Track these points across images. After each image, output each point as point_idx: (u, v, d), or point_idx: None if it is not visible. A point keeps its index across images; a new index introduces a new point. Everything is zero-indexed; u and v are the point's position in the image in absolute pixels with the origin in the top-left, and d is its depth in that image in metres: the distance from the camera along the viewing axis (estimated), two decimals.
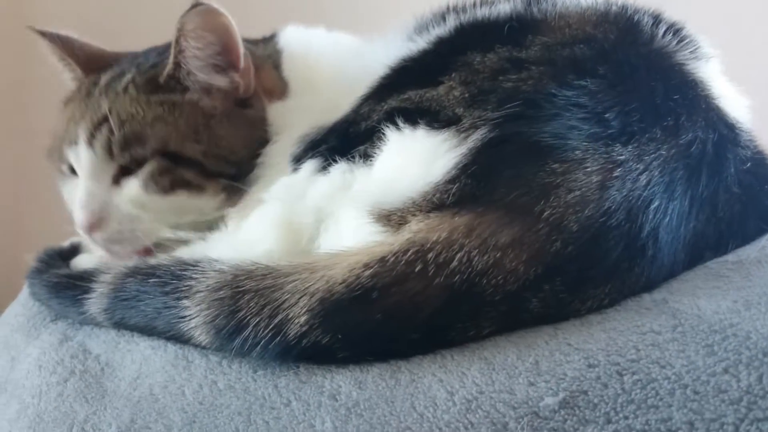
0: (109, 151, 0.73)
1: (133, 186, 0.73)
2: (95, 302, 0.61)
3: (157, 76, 0.75)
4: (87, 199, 0.73)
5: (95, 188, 0.73)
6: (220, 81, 0.75)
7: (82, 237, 0.78)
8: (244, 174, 0.74)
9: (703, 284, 0.51)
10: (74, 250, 0.81)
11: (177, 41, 0.72)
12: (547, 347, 0.46)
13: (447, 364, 0.47)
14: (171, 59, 0.73)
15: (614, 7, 0.64)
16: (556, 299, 0.51)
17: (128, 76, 0.77)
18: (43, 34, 0.82)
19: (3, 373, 0.62)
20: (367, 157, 0.59)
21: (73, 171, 0.78)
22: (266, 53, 0.85)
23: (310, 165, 0.64)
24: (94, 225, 0.72)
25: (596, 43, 0.58)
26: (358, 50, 0.82)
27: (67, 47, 0.82)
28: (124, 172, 0.73)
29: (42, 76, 1.71)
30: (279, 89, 0.81)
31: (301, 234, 0.60)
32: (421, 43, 0.67)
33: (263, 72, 0.81)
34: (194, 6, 0.69)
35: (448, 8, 0.70)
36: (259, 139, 0.76)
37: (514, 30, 0.62)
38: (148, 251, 0.74)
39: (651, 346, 0.44)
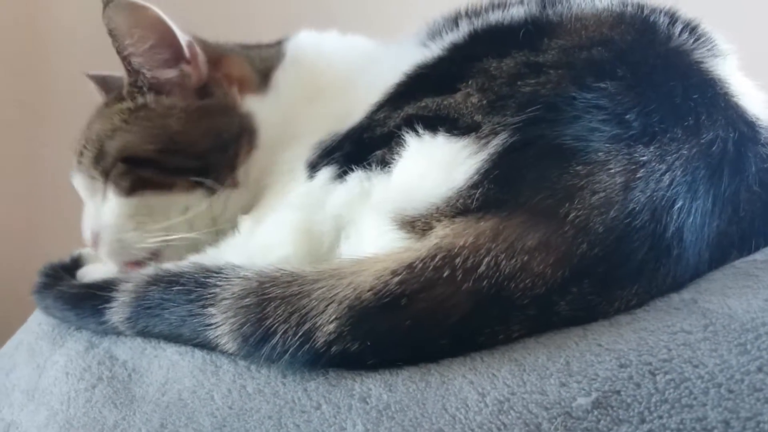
0: (91, 170, 0.76)
1: (110, 196, 0.76)
2: (117, 311, 0.62)
3: (122, 89, 0.78)
4: (86, 218, 0.78)
5: (91, 207, 0.78)
6: (169, 74, 0.76)
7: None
8: (215, 167, 0.75)
9: (733, 283, 0.51)
10: (77, 263, 0.81)
11: (113, 44, 0.73)
12: (578, 348, 0.46)
13: (477, 366, 0.48)
14: (122, 64, 0.75)
15: (630, 8, 0.64)
16: (584, 301, 0.51)
17: (109, 97, 0.81)
18: (90, 76, 0.91)
19: (30, 381, 0.63)
20: (384, 163, 0.59)
21: None
22: (262, 55, 0.86)
23: (325, 172, 0.64)
24: (94, 241, 0.76)
25: (614, 45, 0.58)
26: (373, 55, 0.82)
27: (104, 86, 0.89)
28: (108, 187, 0.76)
29: (56, 100, 1.72)
30: (251, 81, 0.82)
31: (321, 242, 0.61)
32: (436, 49, 0.67)
33: (227, 61, 0.81)
34: (106, 4, 0.71)
35: (460, 13, 0.70)
36: (225, 128, 0.76)
37: (529, 34, 0.62)
38: (139, 264, 0.75)
39: (683, 346, 0.44)
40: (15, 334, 0.76)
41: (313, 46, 0.87)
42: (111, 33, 0.72)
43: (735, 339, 0.43)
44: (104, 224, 0.76)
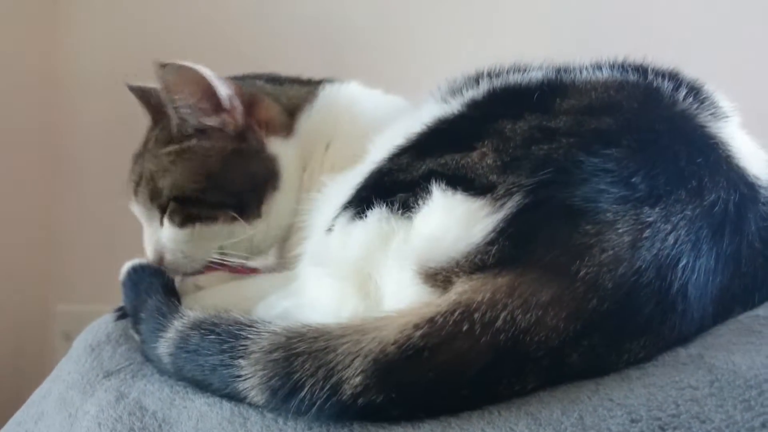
0: (147, 204, 0.88)
1: (166, 225, 0.89)
2: (165, 343, 0.65)
3: (170, 130, 0.88)
4: (147, 241, 0.91)
5: (150, 231, 0.90)
6: (211, 121, 0.87)
7: None
8: (249, 206, 0.88)
9: (737, 339, 0.54)
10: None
11: (165, 97, 0.85)
12: (590, 403, 0.49)
13: (495, 420, 0.50)
14: (170, 112, 0.86)
15: (631, 75, 0.68)
16: (594, 354, 0.53)
17: (155, 132, 0.91)
18: (130, 88, 0.98)
19: (63, 430, 0.65)
20: (405, 207, 0.61)
21: None
22: (290, 93, 0.95)
23: (342, 218, 0.66)
24: (158, 260, 0.89)
25: (620, 114, 0.62)
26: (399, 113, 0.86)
27: (143, 98, 0.97)
28: (163, 215, 0.89)
29: (72, 126, 1.77)
30: (278, 123, 0.92)
31: (367, 287, 0.62)
32: (455, 105, 0.70)
33: (258, 106, 0.91)
34: (162, 66, 0.82)
35: (482, 73, 0.74)
36: (256, 171, 0.88)
37: (543, 95, 0.66)
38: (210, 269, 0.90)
39: (690, 402, 0.46)
40: (42, 383, 0.79)
41: (348, 98, 0.96)
42: (164, 88, 0.84)
43: (740, 395, 0.46)
44: (165, 246, 0.89)
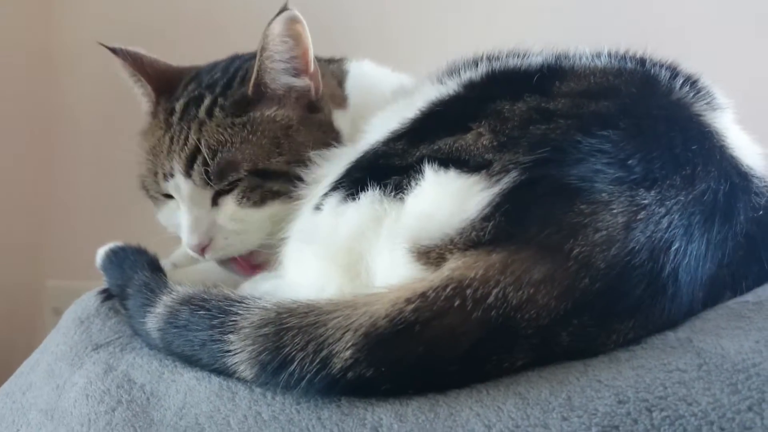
0: (207, 180, 0.79)
1: (230, 204, 0.80)
2: (153, 319, 0.65)
3: (243, 96, 0.81)
4: (194, 224, 0.81)
5: (199, 213, 0.81)
6: (297, 83, 0.81)
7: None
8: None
9: (726, 324, 0.54)
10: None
11: (264, 45, 0.78)
12: (579, 383, 0.49)
13: (483, 399, 0.50)
14: (257, 64, 0.79)
15: (629, 63, 0.69)
16: (584, 333, 0.54)
17: (208, 100, 0.82)
18: (114, 51, 0.87)
19: (50, 401, 0.65)
20: (398, 189, 0.61)
21: (166, 195, 0.85)
22: (330, 68, 0.92)
23: (332, 198, 0.65)
24: (205, 245, 0.81)
25: (618, 98, 0.62)
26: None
27: (137, 64, 0.88)
28: (220, 193, 0.80)
29: (65, 105, 1.75)
30: (339, 97, 0.88)
31: (357, 268, 0.62)
32: (452, 85, 0.70)
33: (324, 77, 0.87)
34: (281, 12, 0.76)
35: (481, 56, 0.73)
36: (326, 143, 0.82)
37: (543, 78, 0.65)
38: (252, 258, 0.83)
39: (678, 384, 0.46)
40: (31, 354, 0.78)
41: (370, 76, 0.94)
42: (269, 36, 0.77)
43: (727, 379, 0.46)
44: (220, 229, 0.81)
